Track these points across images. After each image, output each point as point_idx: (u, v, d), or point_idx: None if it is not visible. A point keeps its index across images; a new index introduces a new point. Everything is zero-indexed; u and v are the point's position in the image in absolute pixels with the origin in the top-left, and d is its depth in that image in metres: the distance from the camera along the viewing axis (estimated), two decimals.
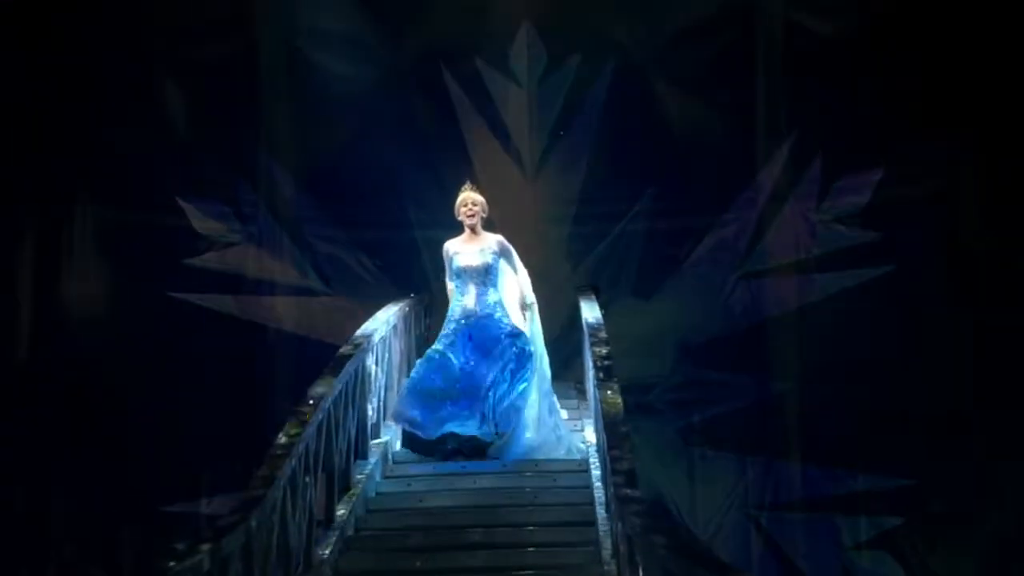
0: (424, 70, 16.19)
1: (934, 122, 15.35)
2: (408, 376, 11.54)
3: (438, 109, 16.28)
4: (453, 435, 10.78)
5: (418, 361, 11.41)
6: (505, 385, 10.80)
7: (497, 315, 11.01)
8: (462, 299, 11.11)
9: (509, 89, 16.17)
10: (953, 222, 15.22)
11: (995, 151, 15.15)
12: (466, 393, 10.81)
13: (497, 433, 10.74)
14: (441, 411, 10.82)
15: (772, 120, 15.69)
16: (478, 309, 11.03)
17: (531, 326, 11.24)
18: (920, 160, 15.37)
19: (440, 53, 16.15)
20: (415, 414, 10.91)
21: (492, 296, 11.08)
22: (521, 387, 10.86)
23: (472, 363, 10.89)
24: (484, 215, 11.28)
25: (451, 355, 10.94)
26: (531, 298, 11.37)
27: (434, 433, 10.85)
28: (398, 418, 11.14)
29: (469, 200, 11.19)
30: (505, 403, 10.79)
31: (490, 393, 10.76)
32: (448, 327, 11.14)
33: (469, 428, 10.77)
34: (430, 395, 10.88)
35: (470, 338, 10.97)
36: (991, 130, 15.17)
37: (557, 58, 16.16)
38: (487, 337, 10.95)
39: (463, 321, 11.04)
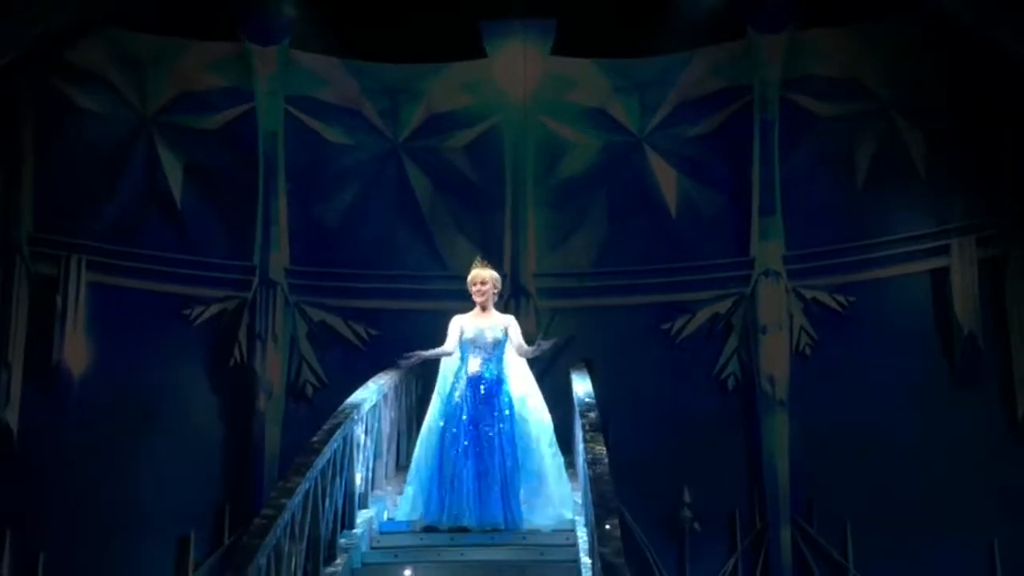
0: (421, 143, 16.31)
1: (928, 200, 15.47)
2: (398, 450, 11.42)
3: (434, 181, 16.37)
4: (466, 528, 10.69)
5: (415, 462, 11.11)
6: (515, 472, 10.74)
7: (498, 382, 10.88)
8: (466, 364, 10.94)
9: (506, 164, 16.25)
10: (948, 297, 15.25)
11: (989, 228, 15.23)
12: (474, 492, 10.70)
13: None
14: (448, 508, 10.71)
15: (766, 196, 15.76)
16: (482, 371, 10.89)
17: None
18: (914, 236, 15.48)
19: (437, 127, 16.28)
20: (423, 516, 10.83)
21: (495, 365, 10.97)
22: (531, 469, 10.83)
23: (473, 454, 10.76)
24: (496, 291, 11.14)
25: (455, 457, 10.79)
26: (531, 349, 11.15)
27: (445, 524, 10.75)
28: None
29: (479, 279, 11.02)
30: (519, 496, 10.70)
31: (500, 488, 10.67)
32: (446, 393, 10.98)
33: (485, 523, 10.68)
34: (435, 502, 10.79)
35: (473, 421, 10.82)
36: (985, 209, 15.27)
37: (554, 133, 16.26)
38: (490, 412, 10.83)
39: (465, 392, 10.87)
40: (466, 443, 10.75)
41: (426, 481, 10.80)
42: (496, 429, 10.78)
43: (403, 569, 10.16)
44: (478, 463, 10.70)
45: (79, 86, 15.48)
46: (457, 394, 10.90)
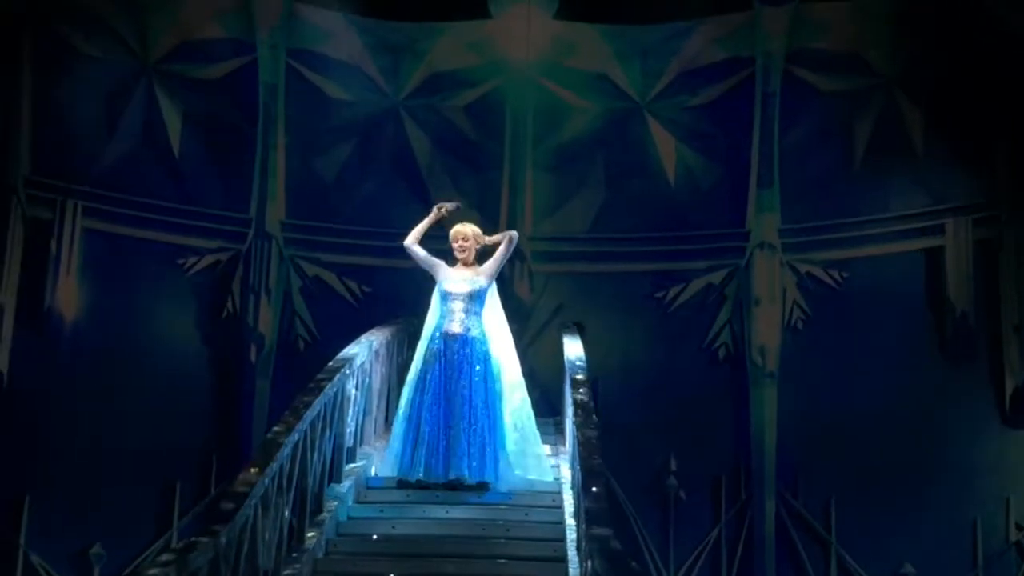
0: (421, 101, 16.26)
1: (925, 178, 15.48)
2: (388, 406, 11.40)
3: (433, 140, 16.34)
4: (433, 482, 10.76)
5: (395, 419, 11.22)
6: (485, 425, 10.75)
7: (473, 338, 10.88)
8: (444, 322, 10.95)
9: (506, 125, 16.23)
10: (941, 276, 15.30)
11: (985, 209, 15.27)
12: (442, 446, 10.74)
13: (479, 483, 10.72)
14: (417, 462, 10.77)
15: (765, 169, 15.76)
16: (461, 328, 10.88)
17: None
18: (910, 215, 15.51)
19: (438, 86, 16.24)
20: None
21: (471, 319, 10.97)
22: (500, 424, 10.85)
23: (443, 407, 10.79)
24: (479, 246, 11.06)
25: (425, 411, 10.84)
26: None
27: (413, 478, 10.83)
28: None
29: (460, 235, 11.00)
30: (486, 451, 10.73)
31: (467, 440, 10.70)
32: (423, 353, 11.03)
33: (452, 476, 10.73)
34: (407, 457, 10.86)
35: (445, 374, 10.84)
36: (982, 190, 15.31)
37: (555, 96, 16.22)
38: (462, 364, 10.85)
39: (440, 346, 10.90)
40: (436, 398, 10.78)
41: (400, 435, 10.87)
42: (468, 383, 10.78)
43: (389, 525, 10.21)
44: (447, 417, 10.72)
45: (80, 30, 15.41)
46: (433, 348, 10.91)
